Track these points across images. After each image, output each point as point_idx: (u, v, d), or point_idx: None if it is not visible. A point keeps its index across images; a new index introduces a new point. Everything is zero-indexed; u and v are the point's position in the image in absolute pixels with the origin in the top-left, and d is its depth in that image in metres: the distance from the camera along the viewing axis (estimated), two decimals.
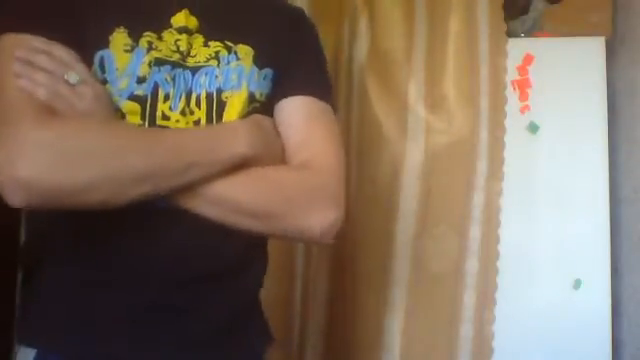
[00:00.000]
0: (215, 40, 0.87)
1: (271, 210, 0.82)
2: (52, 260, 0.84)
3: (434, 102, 1.70)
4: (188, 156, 0.77)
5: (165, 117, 0.82)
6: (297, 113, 0.89)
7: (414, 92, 1.71)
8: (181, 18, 0.85)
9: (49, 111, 0.74)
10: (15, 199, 0.71)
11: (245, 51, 0.88)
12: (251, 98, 0.87)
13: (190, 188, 0.78)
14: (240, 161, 0.80)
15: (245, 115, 0.86)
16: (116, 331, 0.81)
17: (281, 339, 1.70)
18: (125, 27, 0.82)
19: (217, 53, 0.86)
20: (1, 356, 0.88)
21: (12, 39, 0.78)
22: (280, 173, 0.85)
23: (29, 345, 0.83)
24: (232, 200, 0.80)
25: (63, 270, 0.83)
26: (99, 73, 0.80)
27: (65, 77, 0.76)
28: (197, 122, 0.84)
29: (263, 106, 0.89)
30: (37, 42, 0.77)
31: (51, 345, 0.82)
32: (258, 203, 0.81)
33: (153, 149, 0.75)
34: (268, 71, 0.90)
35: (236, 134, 0.81)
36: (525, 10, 1.80)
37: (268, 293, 1.63)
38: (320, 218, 0.83)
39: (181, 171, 0.76)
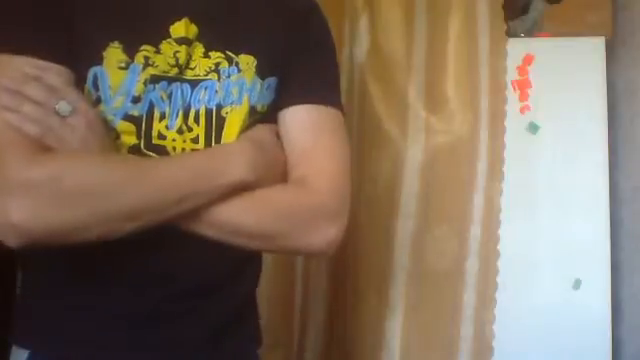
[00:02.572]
0: (216, 50, 0.83)
1: (271, 231, 0.81)
2: (50, 261, 0.83)
3: (434, 102, 1.70)
4: (183, 188, 0.75)
5: (161, 136, 0.80)
6: (299, 124, 0.87)
7: (414, 92, 1.71)
8: (181, 28, 0.81)
9: (39, 146, 0.71)
10: (8, 240, 0.69)
11: (247, 61, 0.84)
12: (252, 112, 0.85)
13: (191, 214, 0.76)
14: (239, 186, 0.78)
15: (245, 129, 0.84)
16: (112, 334, 0.81)
17: (281, 338, 1.70)
18: (120, 42, 0.78)
19: (217, 65, 0.83)
20: (1, 357, 0.87)
21: (0, 60, 0.74)
22: (279, 194, 0.83)
23: (22, 345, 0.83)
24: (231, 223, 0.78)
25: (61, 272, 0.83)
26: (92, 91, 0.77)
27: (56, 108, 0.72)
28: (195, 139, 0.82)
29: (265, 116, 0.87)
30: (26, 66, 0.73)
31: (45, 346, 0.81)
32: (257, 225, 0.80)
33: (147, 184, 0.73)
34: (271, 80, 0.87)
35: (234, 159, 0.79)
36: (525, 10, 1.80)
37: (268, 293, 1.64)
38: (320, 236, 0.82)
39: (176, 203, 0.74)
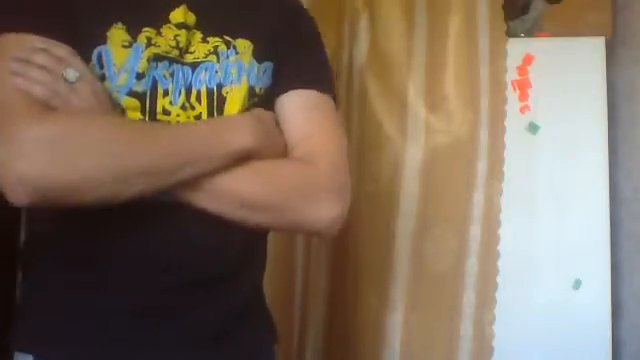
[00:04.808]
0: (214, 35, 0.86)
1: (276, 203, 0.81)
2: (51, 262, 0.84)
3: (434, 102, 1.70)
4: (189, 151, 0.76)
5: (166, 112, 0.81)
6: (298, 107, 0.89)
7: (414, 92, 1.71)
8: (180, 14, 0.84)
9: (47, 109, 0.73)
10: (16, 197, 0.70)
11: (244, 45, 0.87)
12: (251, 92, 0.87)
13: (194, 183, 0.77)
14: (243, 154, 0.79)
15: (245, 110, 0.86)
16: (116, 334, 0.81)
17: (281, 336, 1.70)
18: (123, 23, 0.80)
19: (216, 48, 0.86)
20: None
21: (10, 39, 0.76)
22: (283, 165, 0.84)
23: (24, 350, 0.82)
24: (236, 194, 0.79)
25: (62, 272, 0.82)
26: (97, 69, 0.79)
27: (63, 74, 0.75)
28: (198, 117, 0.83)
29: (262, 100, 0.88)
30: (35, 41, 0.75)
31: (47, 349, 0.81)
32: (263, 196, 0.81)
33: (154, 144, 0.75)
34: (267, 65, 0.89)
35: (238, 127, 0.80)
36: (525, 10, 1.80)
37: (268, 291, 1.63)
38: (326, 210, 0.82)
39: (181, 166, 0.75)
